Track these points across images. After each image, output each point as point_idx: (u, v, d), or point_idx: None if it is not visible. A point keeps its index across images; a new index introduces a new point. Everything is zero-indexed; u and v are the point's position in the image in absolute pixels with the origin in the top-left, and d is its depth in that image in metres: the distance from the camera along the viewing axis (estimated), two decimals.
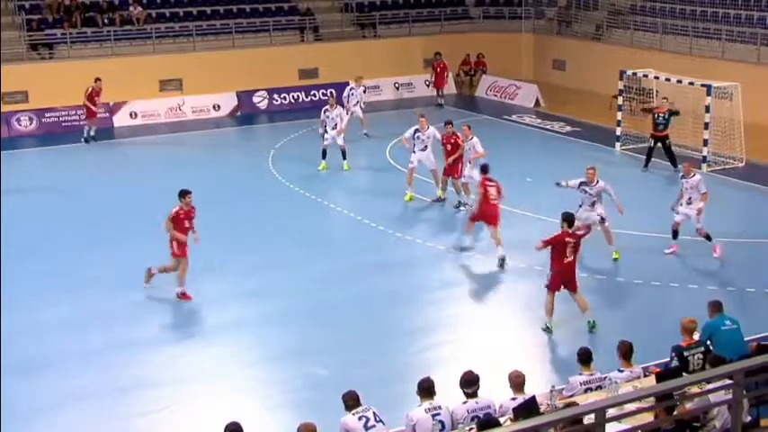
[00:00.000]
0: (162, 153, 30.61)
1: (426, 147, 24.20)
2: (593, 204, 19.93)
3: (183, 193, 18.37)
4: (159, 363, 15.94)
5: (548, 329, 16.56)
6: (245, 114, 36.08)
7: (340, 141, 27.23)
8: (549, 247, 16.75)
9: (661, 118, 26.34)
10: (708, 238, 19.40)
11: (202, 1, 39.17)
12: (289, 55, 37.99)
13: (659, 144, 26.64)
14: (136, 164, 28.97)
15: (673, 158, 26.57)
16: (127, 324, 17.25)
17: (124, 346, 16.37)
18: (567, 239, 16.64)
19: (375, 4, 41.95)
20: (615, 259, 19.81)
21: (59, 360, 15.76)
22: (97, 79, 30.88)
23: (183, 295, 18.16)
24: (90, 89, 30.78)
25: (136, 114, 34.61)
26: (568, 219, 16.97)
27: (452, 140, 23.40)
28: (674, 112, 26.46)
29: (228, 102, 36.09)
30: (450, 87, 38.06)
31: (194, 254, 20.64)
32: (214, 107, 35.80)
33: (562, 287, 16.69)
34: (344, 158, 27.35)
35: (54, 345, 16.25)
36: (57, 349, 16.11)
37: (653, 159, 26.91)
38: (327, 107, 27.35)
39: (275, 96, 36.90)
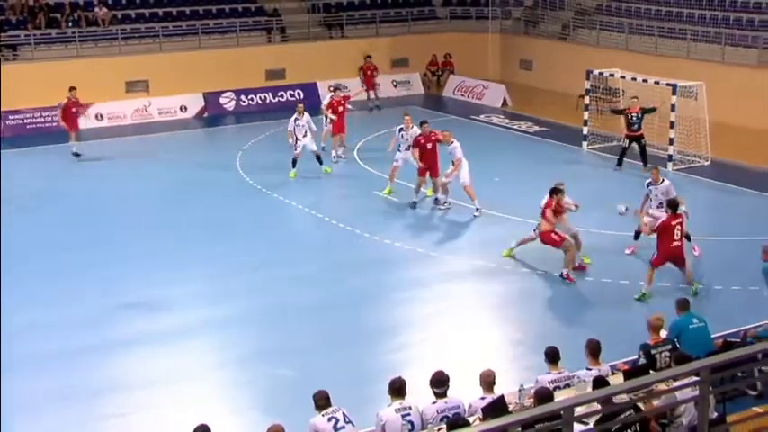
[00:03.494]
0: (128, 155, 30.39)
1: (410, 146, 24.11)
2: (660, 205, 19.70)
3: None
4: (130, 365, 15.82)
5: (642, 297, 17.64)
6: (212, 116, 35.91)
7: (313, 147, 26.65)
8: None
9: (634, 118, 26.47)
10: (687, 237, 19.44)
11: (168, 2, 38.94)
12: (256, 56, 37.85)
13: (634, 144, 26.74)
14: (101, 166, 28.73)
15: (645, 159, 26.68)
16: (97, 327, 17.10)
17: (95, 348, 16.22)
18: (673, 224, 17.70)
19: (342, 5, 41.90)
20: None
21: (29, 363, 15.57)
22: (72, 89, 29.59)
23: None
24: (64, 102, 29.36)
25: (102, 116, 34.36)
26: (673, 204, 18.11)
27: (432, 139, 23.28)
28: (648, 110, 26.59)
29: (195, 103, 35.93)
30: (382, 90, 37.35)
31: (162, 255, 20.65)
32: (181, 108, 35.62)
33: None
34: (321, 163, 26.87)
35: (24, 348, 16.01)
36: (27, 352, 15.89)
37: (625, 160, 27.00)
38: (296, 116, 26.49)
39: (242, 97, 36.77)
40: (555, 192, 19.23)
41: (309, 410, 11.09)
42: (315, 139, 26.92)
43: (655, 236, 17.95)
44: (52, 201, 24.94)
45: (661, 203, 19.55)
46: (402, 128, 24.49)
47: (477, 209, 22.76)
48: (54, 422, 14.02)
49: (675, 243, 17.70)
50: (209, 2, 39.45)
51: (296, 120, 26.44)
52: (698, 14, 35.53)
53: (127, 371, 15.65)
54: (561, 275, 18.85)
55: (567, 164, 28.25)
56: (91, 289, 18.89)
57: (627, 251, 20.15)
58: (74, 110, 29.65)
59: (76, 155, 29.18)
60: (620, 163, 27.03)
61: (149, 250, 21.03)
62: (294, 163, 26.50)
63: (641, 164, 26.60)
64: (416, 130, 24.18)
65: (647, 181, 20.23)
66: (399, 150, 24.44)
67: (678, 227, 17.74)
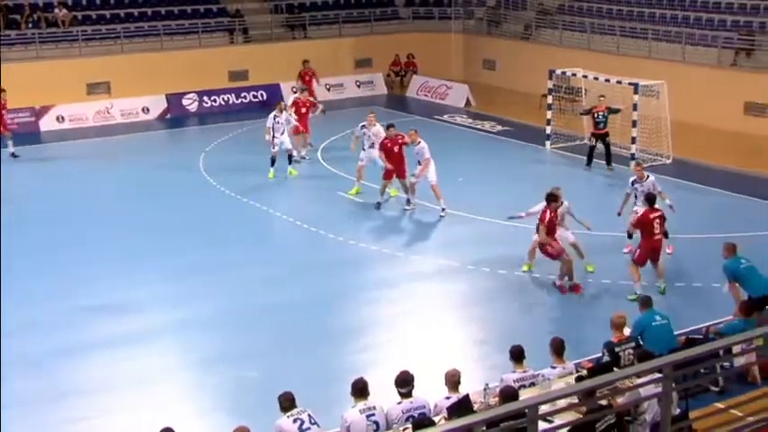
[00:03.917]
0: (90, 157, 30.17)
1: (374, 144, 24.13)
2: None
3: None
4: (94, 368, 15.70)
5: (637, 298, 16.23)
6: (174, 117, 35.72)
7: (288, 146, 26.61)
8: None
9: (601, 116, 26.63)
10: (665, 234, 19.53)
11: (129, 3, 38.69)
12: (218, 57, 37.70)
13: (599, 142, 26.91)
14: (63, 169, 28.49)
15: (609, 158, 26.87)
16: (59, 330, 16.95)
17: (58, 353, 16.07)
18: (652, 217, 17.85)
19: (305, 6, 41.82)
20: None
21: None
22: (1, 90, 29.27)
23: None
24: None
25: (63, 118, 34.09)
26: (650, 198, 18.35)
27: (399, 142, 23.22)
28: (614, 110, 26.78)
29: (158, 104, 35.72)
30: (345, 91, 37.34)
31: (125, 258, 20.50)
32: (143, 110, 35.39)
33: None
34: (290, 163, 26.91)
35: None
36: None
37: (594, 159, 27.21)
38: (276, 113, 26.36)
39: (205, 99, 36.60)
40: (551, 199, 18.25)
41: (275, 412, 11.06)
42: (291, 138, 26.96)
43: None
44: (16, 203, 24.65)
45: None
46: (364, 125, 24.50)
47: (443, 209, 22.76)
48: (17, 427, 13.83)
49: (656, 237, 17.86)
50: (170, 3, 39.21)
51: (275, 117, 26.35)
52: (659, 14, 35.83)
53: (91, 374, 15.52)
54: (554, 284, 18.38)
55: (531, 163, 28.39)
56: (53, 292, 18.72)
57: (625, 250, 19.88)
58: (2, 111, 29.31)
59: (14, 155, 28.97)
60: (589, 162, 27.18)
61: (111, 253, 20.87)
62: (273, 162, 26.41)
63: (605, 163, 26.81)
64: (379, 128, 24.21)
65: (632, 179, 20.19)
66: (364, 149, 24.44)
67: (657, 220, 17.88)
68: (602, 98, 27.03)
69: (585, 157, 27.17)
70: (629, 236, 19.78)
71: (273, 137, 26.26)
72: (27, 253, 20.80)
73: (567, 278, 18.29)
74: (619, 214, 19.93)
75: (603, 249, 20.02)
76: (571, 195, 23.65)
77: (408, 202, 23.47)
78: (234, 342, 16.56)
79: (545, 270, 19.21)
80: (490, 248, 20.63)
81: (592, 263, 19.22)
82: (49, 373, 15.48)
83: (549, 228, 17.94)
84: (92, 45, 36.37)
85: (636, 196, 19.86)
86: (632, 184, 20.05)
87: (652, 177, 20.14)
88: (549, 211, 18.03)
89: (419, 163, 22.95)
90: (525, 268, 19.25)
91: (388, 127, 23.80)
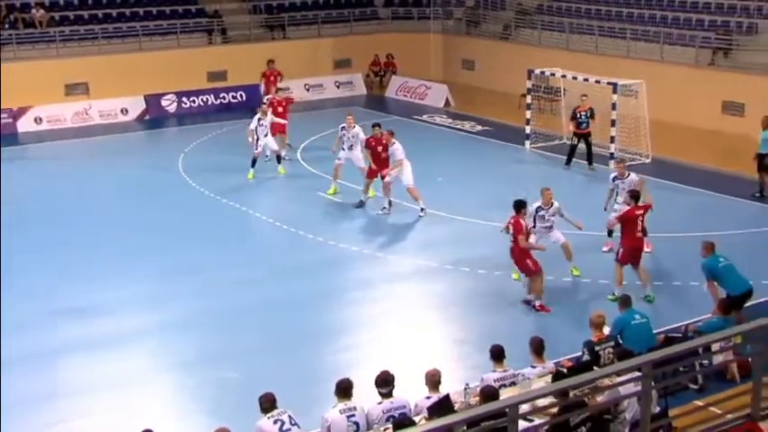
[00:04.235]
0: (69, 159, 30.03)
1: (352, 146, 24.30)
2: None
3: None
4: (71, 372, 15.61)
5: (617, 299, 15.72)
6: (153, 118, 35.60)
7: (275, 146, 26.76)
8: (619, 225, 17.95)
9: (583, 116, 26.73)
10: (644, 232, 19.53)
11: (108, 3, 38.54)
12: (197, 57, 37.60)
13: (581, 142, 27.01)
14: (41, 170, 28.35)
15: (590, 157, 26.99)
16: (35, 333, 16.83)
17: (34, 355, 15.96)
18: (637, 214, 17.67)
19: (284, 6, 41.76)
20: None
21: None
22: None
23: None
24: None
25: (41, 120, 33.92)
26: (635, 195, 18.01)
27: (383, 142, 23.22)
28: (592, 114, 26.91)
29: (136, 106, 35.59)
30: (325, 91, 37.54)
31: (102, 259, 20.41)
32: (122, 111, 35.26)
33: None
34: (279, 162, 27.02)
35: None
36: None
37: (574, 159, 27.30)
38: (260, 115, 26.35)
39: (184, 99, 36.49)
40: (520, 206, 17.62)
41: (255, 413, 11.02)
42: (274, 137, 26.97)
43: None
44: None
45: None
46: (344, 126, 24.55)
47: (422, 209, 22.76)
48: None
49: (638, 235, 17.78)
50: (149, 3, 39.10)
51: (259, 119, 26.33)
52: (637, 14, 35.98)
53: (68, 377, 15.43)
54: (534, 307, 17.52)
55: (511, 163, 28.46)
56: (27, 294, 18.57)
57: (604, 248, 20.00)
58: None
59: None
60: (569, 161, 27.28)
61: (88, 254, 20.78)
62: (254, 163, 26.42)
63: (586, 162, 26.92)
64: (358, 130, 24.31)
65: (613, 175, 20.25)
66: (343, 149, 24.46)
67: (641, 218, 17.77)
68: (584, 98, 27.10)
69: (565, 157, 27.25)
70: (609, 233, 19.86)
71: (257, 139, 26.24)
72: (4, 254, 20.67)
73: (535, 297, 17.58)
74: (605, 209, 19.99)
75: (584, 248, 20.05)
76: (554, 195, 23.70)
77: (390, 203, 23.39)
78: (214, 343, 16.50)
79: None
80: (470, 248, 20.66)
81: (578, 266, 19.12)
82: (24, 376, 15.30)
83: (527, 235, 17.54)
84: (70, 46, 36.22)
85: (617, 193, 19.90)
86: (613, 180, 20.10)
87: (633, 175, 20.15)
88: (521, 219, 17.46)
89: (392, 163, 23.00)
90: (516, 276, 18.84)
91: (373, 126, 23.87)
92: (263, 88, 33.21)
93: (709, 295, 16.03)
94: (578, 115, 26.75)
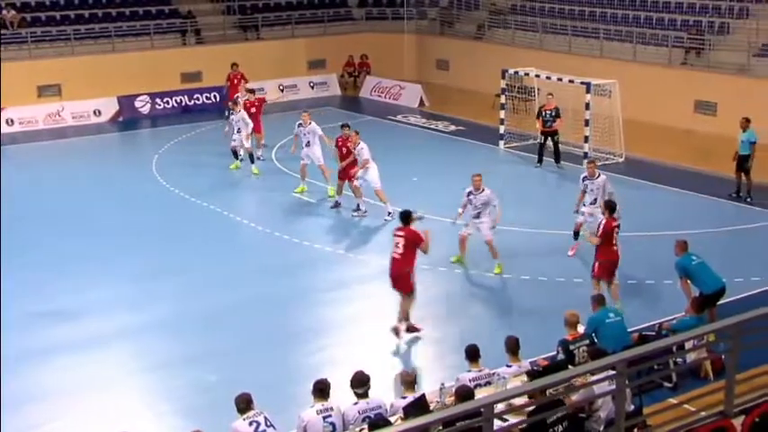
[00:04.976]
0: (41, 161, 29.86)
1: (310, 142, 24.39)
2: (594, 201, 19.56)
3: None
4: (47, 374, 15.51)
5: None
6: (127, 119, 35.45)
7: (246, 144, 27.01)
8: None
9: (548, 115, 26.89)
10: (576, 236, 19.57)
11: (80, 4, 38.33)
12: (171, 58, 37.47)
13: (548, 140, 27.12)
14: (12, 172, 28.12)
15: (558, 155, 27.13)
16: (14, 335, 16.64)
17: (13, 358, 15.74)
18: (614, 225, 17.00)
19: (257, 6, 41.68)
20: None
21: None
22: None
23: None
24: None
25: (12, 121, 33.71)
26: (610, 206, 17.27)
27: (348, 143, 23.23)
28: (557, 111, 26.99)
29: (110, 107, 35.42)
30: (300, 91, 37.86)
31: (77, 261, 20.30)
32: (95, 113, 35.09)
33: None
34: (252, 162, 27.16)
35: None
36: None
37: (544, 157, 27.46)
38: (231, 111, 27.10)
39: (158, 101, 36.35)
40: (407, 219, 16.55)
41: (230, 415, 10.99)
42: (249, 137, 27.05)
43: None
44: None
45: (596, 199, 19.58)
46: (300, 123, 24.72)
47: (389, 213, 22.64)
48: None
49: (615, 248, 17.09)
50: (122, 4, 38.94)
51: (230, 114, 27.01)
52: (610, 14, 36.16)
53: (44, 380, 15.32)
54: (404, 330, 16.52)
55: (485, 163, 28.46)
56: (5, 296, 18.40)
57: (570, 252, 20.05)
58: None
59: None
60: (540, 160, 27.39)
61: (62, 256, 20.69)
62: (235, 154, 27.08)
63: (554, 160, 27.10)
64: (314, 126, 24.53)
65: (583, 175, 20.19)
66: (302, 148, 24.71)
67: (617, 229, 17.11)
68: (549, 96, 27.21)
69: (556, 157, 27.33)
70: (575, 235, 19.90)
71: (232, 132, 26.82)
72: None
73: (403, 320, 16.59)
74: (575, 212, 20.04)
75: (555, 248, 20.15)
76: (524, 194, 23.94)
77: (358, 207, 23.38)
78: (190, 345, 16.45)
79: (507, 269, 19.32)
80: (446, 248, 20.65)
81: (502, 263, 19.27)
82: (3, 377, 15.22)
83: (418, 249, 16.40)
84: (42, 47, 36.02)
85: (585, 193, 19.93)
86: (583, 180, 20.09)
87: (604, 176, 20.12)
88: (412, 232, 16.43)
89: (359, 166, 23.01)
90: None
91: (342, 126, 23.87)
92: (225, 91, 33.30)
93: (683, 293, 16.13)
94: (543, 114, 26.93)
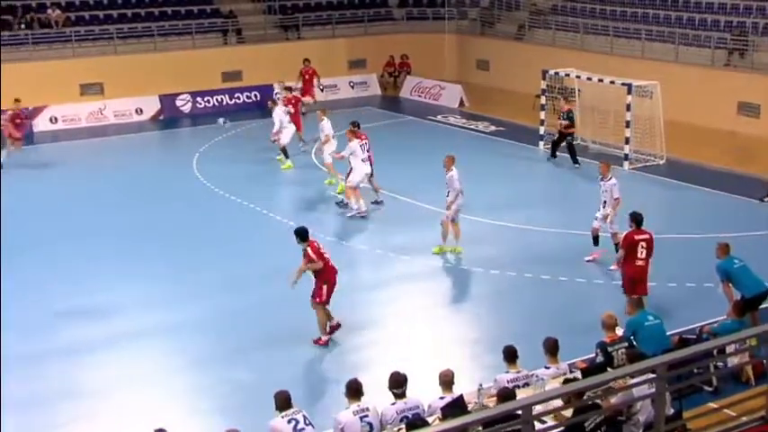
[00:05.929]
0: (83, 158, 30.13)
1: (319, 138, 25.76)
2: (604, 203, 19.35)
3: None
4: (82, 371, 15.60)
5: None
6: (168, 118, 35.70)
7: (285, 140, 27.53)
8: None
9: (564, 115, 27.43)
10: (617, 247, 19.22)
11: (123, 3, 38.67)
12: (212, 58, 37.69)
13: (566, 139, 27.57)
14: (56, 169, 28.44)
15: (573, 154, 27.58)
16: (44, 333, 16.85)
17: (46, 355, 16.00)
18: (637, 239, 16.44)
19: (298, 6, 41.81)
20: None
21: None
22: (17, 100, 29.15)
23: None
24: (9, 112, 28.75)
25: (56, 119, 34.07)
26: (636, 218, 16.69)
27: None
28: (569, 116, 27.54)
29: (151, 105, 35.69)
30: (339, 92, 38.39)
31: (115, 258, 20.45)
32: (136, 111, 35.36)
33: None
34: (287, 157, 27.64)
35: None
36: None
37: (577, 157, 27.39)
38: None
39: (199, 99, 36.58)
40: (303, 235, 16.37)
41: (266, 413, 11.03)
42: (287, 133, 27.61)
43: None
44: (6, 202, 24.60)
45: (605, 202, 19.39)
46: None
47: (342, 201, 23.57)
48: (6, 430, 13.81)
49: (639, 263, 16.55)
50: (164, 3, 39.20)
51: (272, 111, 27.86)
52: (652, 14, 35.89)
53: (78, 377, 15.40)
54: (315, 341, 16.28)
55: (524, 163, 28.40)
56: (41, 294, 18.65)
57: (587, 257, 19.85)
58: (18, 121, 28.98)
59: None
60: (575, 160, 27.31)
61: (101, 253, 20.83)
62: (284, 153, 27.61)
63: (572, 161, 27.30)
64: (324, 123, 25.30)
65: (600, 175, 19.93)
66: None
67: (643, 244, 16.52)
68: (566, 99, 27.82)
69: (572, 157, 27.36)
70: (595, 241, 19.71)
71: (278, 131, 27.44)
72: (13, 253, 20.71)
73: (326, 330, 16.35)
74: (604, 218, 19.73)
75: (584, 248, 19.95)
76: (564, 195, 23.76)
77: (343, 203, 23.68)
78: (224, 342, 16.49)
79: (536, 271, 19.24)
80: (482, 248, 20.64)
81: (443, 247, 20.07)
82: (34, 376, 15.35)
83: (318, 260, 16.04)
84: (85, 46, 36.35)
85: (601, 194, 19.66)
86: (600, 180, 19.75)
87: (614, 181, 19.51)
88: (314, 244, 16.28)
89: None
90: (436, 250, 20.12)
91: (352, 124, 24.02)
92: (300, 86, 33.82)
93: (724, 297, 15.97)
94: (560, 115, 27.54)
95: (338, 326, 16.40)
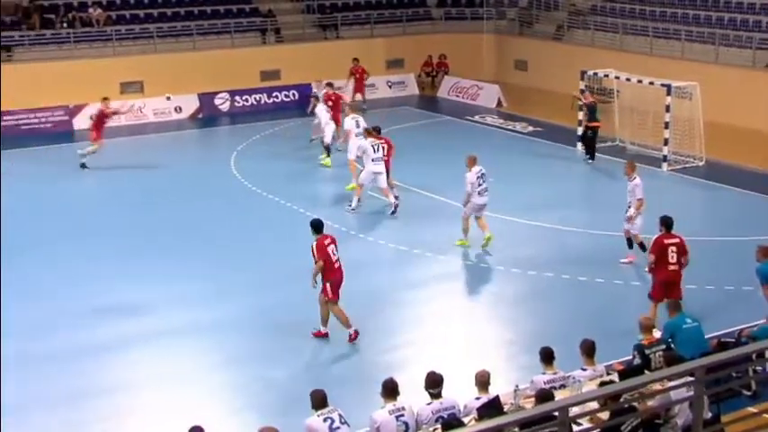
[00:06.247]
0: (123, 156, 30.34)
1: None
2: (630, 205, 19.25)
3: None
4: (117, 368, 15.72)
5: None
6: (206, 116, 35.91)
7: (327, 138, 27.70)
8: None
9: (585, 109, 27.94)
10: (642, 247, 18.98)
11: (163, 2, 38.93)
12: (250, 56, 37.84)
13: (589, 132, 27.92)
14: (96, 167, 28.65)
15: (592, 149, 27.88)
16: (80, 330, 16.98)
17: (79, 352, 16.14)
18: (666, 243, 16.16)
19: (337, 6, 41.90)
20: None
21: (10, 367, 15.15)
22: (104, 99, 29.15)
23: None
24: (98, 110, 28.89)
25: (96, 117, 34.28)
26: (666, 222, 16.38)
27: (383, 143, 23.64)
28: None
29: (190, 104, 35.90)
30: (378, 91, 38.37)
31: (152, 256, 20.60)
32: (175, 109, 35.57)
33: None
34: (329, 155, 27.75)
35: (4, 352, 15.46)
36: (4, 356, 15.28)
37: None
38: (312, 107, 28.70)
39: (237, 98, 36.76)
40: (318, 228, 16.52)
41: (302, 411, 11.08)
42: (329, 130, 27.74)
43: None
44: (47, 199, 24.89)
45: (630, 203, 19.24)
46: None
47: (350, 204, 23.55)
48: (36, 428, 13.88)
49: (672, 267, 16.21)
50: (203, 3, 39.45)
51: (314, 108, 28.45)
52: (692, 15, 35.61)
53: (113, 374, 15.52)
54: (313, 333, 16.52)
55: (562, 164, 28.29)
56: (79, 290, 18.82)
57: (623, 261, 19.64)
58: (106, 120, 29.06)
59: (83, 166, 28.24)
60: (592, 156, 27.71)
61: (139, 251, 21.00)
62: (327, 150, 27.73)
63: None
64: (347, 120, 25.46)
65: (626, 176, 19.73)
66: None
67: (674, 248, 16.18)
68: (581, 92, 28.22)
69: (588, 150, 27.87)
70: (629, 244, 19.55)
71: (320, 127, 27.78)
72: (53, 248, 20.94)
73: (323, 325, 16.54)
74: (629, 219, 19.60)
75: (621, 249, 19.80)
76: (602, 196, 23.60)
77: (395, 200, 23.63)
78: (260, 341, 16.59)
79: (573, 272, 19.17)
80: (519, 249, 20.60)
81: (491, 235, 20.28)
82: (71, 372, 15.51)
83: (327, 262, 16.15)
84: (125, 44, 36.64)
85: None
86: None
87: (638, 181, 19.26)
88: (324, 241, 16.28)
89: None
90: (458, 243, 20.25)
91: (373, 129, 24.14)
92: (351, 85, 34.73)
93: (765, 300, 15.82)
94: (579, 104, 28.23)
95: (357, 334, 16.34)
